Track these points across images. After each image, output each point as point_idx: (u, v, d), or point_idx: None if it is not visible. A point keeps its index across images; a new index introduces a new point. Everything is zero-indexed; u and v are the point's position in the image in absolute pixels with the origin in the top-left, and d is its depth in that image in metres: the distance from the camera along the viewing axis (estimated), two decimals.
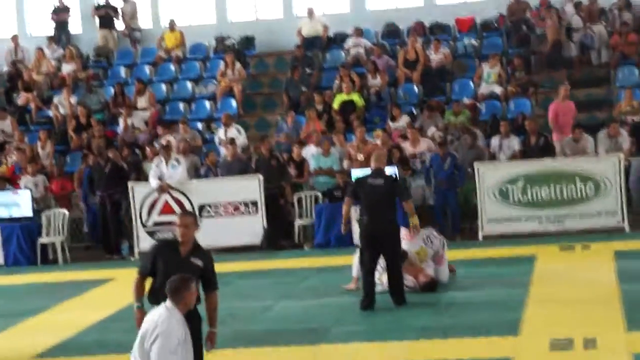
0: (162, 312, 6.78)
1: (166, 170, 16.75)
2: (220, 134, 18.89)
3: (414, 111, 19.54)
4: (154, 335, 6.69)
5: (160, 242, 7.79)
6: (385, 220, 11.34)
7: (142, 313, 7.40)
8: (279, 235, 16.87)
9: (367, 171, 12.08)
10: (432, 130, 18.19)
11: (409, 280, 12.05)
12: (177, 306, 6.78)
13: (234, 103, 21.05)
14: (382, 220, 11.31)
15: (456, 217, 16.49)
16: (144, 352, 6.73)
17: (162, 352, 6.64)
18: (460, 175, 16.54)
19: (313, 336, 10.30)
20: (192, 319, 7.15)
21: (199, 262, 7.50)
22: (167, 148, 17.14)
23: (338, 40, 22.70)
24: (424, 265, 12.25)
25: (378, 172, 11.61)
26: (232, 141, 17.68)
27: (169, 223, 16.25)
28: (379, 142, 17.47)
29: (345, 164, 17.07)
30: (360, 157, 16.88)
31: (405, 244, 11.90)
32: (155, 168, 16.86)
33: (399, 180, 12.06)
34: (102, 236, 17.35)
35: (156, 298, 7.41)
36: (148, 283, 7.69)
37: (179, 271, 7.18)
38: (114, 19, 24.09)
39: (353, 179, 12.43)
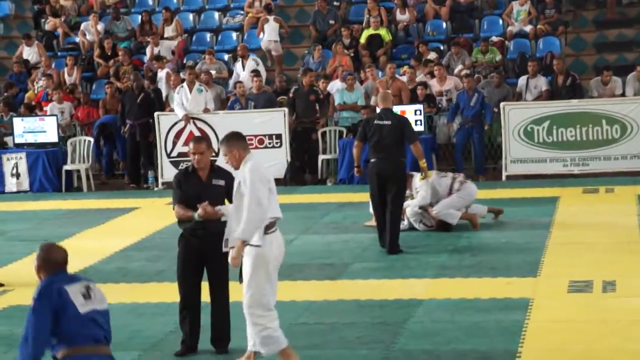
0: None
1: (190, 95, 16.73)
2: (238, 67, 18.82)
3: (442, 48, 19.39)
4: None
5: (180, 171, 7.87)
6: (392, 161, 11.13)
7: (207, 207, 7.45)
8: (303, 169, 16.91)
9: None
10: (459, 68, 18.08)
11: (427, 218, 12.08)
12: None
13: (260, 35, 20.92)
14: (389, 161, 11.11)
15: (479, 157, 16.43)
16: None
17: None
18: (487, 113, 16.42)
19: (333, 271, 10.37)
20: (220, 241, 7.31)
21: (221, 182, 7.65)
22: (191, 73, 17.06)
23: None
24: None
25: (386, 112, 11.39)
26: (257, 73, 17.63)
27: None
28: (405, 78, 17.40)
29: (373, 100, 17.00)
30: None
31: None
32: (177, 95, 16.86)
33: (407, 120, 11.86)
34: (129, 165, 17.43)
35: (184, 223, 7.65)
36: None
37: (204, 195, 7.47)
38: None
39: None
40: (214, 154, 8.70)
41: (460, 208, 12.09)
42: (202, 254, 7.65)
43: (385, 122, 11.20)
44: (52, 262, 5.83)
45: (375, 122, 11.29)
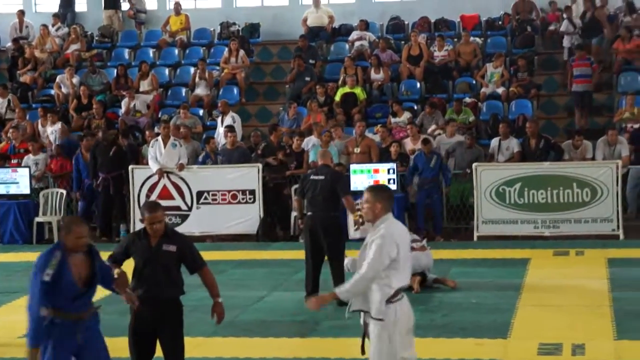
0: None
1: (164, 149, 16.74)
2: (219, 121, 18.95)
3: (415, 108, 19.58)
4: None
5: (132, 234, 7.70)
6: (325, 215, 11.39)
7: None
8: (276, 226, 16.93)
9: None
10: (432, 128, 18.23)
11: None
12: None
13: (236, 91, 21.06)
14: (322, 215, 11.39)
15: (438, 217, 16.48)
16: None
17: None
18: (446, 175, 16.50)
19: (303, 329, 10.36)
20: (172, 309, 7.27)
21: (171, 248, 7.35)
22: (166, 127, 17.11)
23: (343, 32, 22.72)
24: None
25: (322, 168, 11.72)
26: (231, 129, 17.71)
27: (167, 208, 16.34)
28: (378, 137, 17.52)
29: (344, 159, 17.06)
30: (357, 150, 16.91)
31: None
32: (151, 149, 16.87)
33: (341, 175, 12.14)
34: (101, 218, 17.34)
35: (141, 283, 7.42)
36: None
37: (152, 261, 7.22)
38: None
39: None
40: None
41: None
42: (154, 325, 7.41)
43: (320, 177, 11.51)
44: None
45: (311, 177, 11.65)
